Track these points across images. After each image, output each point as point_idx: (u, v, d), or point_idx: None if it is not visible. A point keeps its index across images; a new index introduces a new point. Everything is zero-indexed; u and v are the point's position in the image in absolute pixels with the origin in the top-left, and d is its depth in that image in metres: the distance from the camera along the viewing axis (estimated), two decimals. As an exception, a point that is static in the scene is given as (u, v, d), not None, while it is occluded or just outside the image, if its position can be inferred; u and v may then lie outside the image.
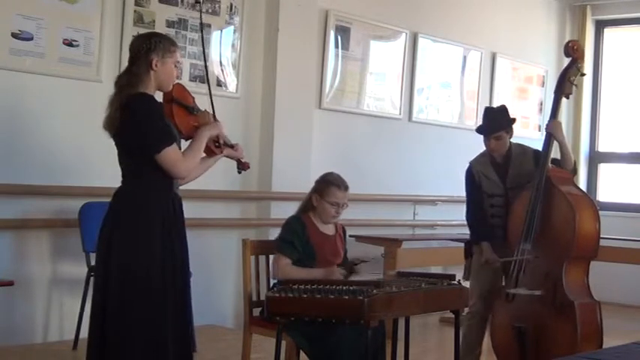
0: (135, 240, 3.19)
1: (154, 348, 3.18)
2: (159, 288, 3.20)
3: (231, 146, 3.59)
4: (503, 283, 4.62)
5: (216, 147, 3.46)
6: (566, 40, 8.63)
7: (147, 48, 3.25)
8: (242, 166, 3.68)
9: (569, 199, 4.36)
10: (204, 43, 3.86)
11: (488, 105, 7.85)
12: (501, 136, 4.56)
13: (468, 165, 4.70)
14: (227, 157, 3.61)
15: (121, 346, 3.16)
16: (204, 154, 3.48)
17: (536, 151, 4.62)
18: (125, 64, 3.38)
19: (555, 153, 4.60)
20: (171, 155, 3.19)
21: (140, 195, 3.24)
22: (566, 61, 4.65)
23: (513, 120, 4.65)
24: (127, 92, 3.21)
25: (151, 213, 3.22)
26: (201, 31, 4.26)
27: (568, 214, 4.33)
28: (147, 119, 3.17)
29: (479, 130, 4.67)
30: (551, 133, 4.50)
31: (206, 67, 3.89)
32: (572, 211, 4.32)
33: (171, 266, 3.25)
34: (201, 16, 4.54)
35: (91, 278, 4.18)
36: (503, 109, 4.68)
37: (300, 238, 3.96)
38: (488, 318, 4.67)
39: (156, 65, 3.25)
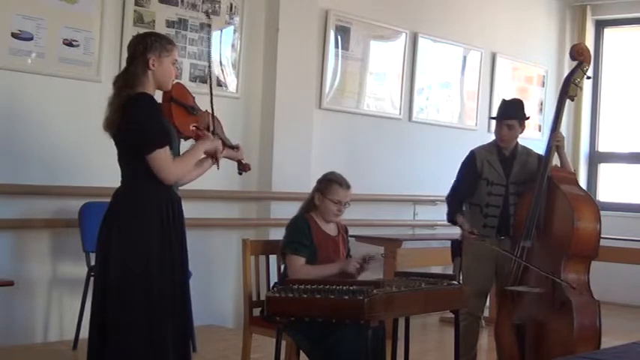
0: (133, 240, 3.19)
1: (153, 348, 3.18)
2: (157, 288, 3.19)
3: (232, 147, 3.59)
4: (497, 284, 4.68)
5: (213, 161, 3.46)
6: (567, 41, 8.76)
7: (143, 47, 3.25)
8: (243, 168, 3.68)
9: (568, 198, 4.37)
10: (210, 53, 3.84)
11: (488, 105, 7.93)
12: (514, 125, 4.63)
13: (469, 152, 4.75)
14: (227, 158, 3.61)
15: (120, 346, 3.16)
16: (203, 155, 3.48)
17: (540, 156, 4.65)
18: (125, 64, 3.38)
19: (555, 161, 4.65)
20: (161, 158, 3.18)
21: (138, 195, 3.24)
22: (567, 59, 4.69)
23: (527, 116, 4.75)
24: (126, 93, 3.21)
25: (148, 213, 3.22)
26: (209, 40, 4.13)
27: (566, 212, 4.34)
28: (144, 119, 3.17)
29: (494, 117, 4.79)
30: (559, 146, 4.52)
31: (210, 70, 3.87)
32: (571, 209, 4.33)
33: (170, 266, 3.25)
34: (210, 26, 4.46)
35: (91, 278, 4.18)
36: (520, 102, 4.81)
37: (307, 236, 3.97)
38: (481, 318, 4.74)
39: (153, 64, 3.25)
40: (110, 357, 3.17)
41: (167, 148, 3.20)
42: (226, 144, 3.56)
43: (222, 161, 3.59)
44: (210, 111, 3.50)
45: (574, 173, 4.77)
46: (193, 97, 3.47)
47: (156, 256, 3.20)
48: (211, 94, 3.53)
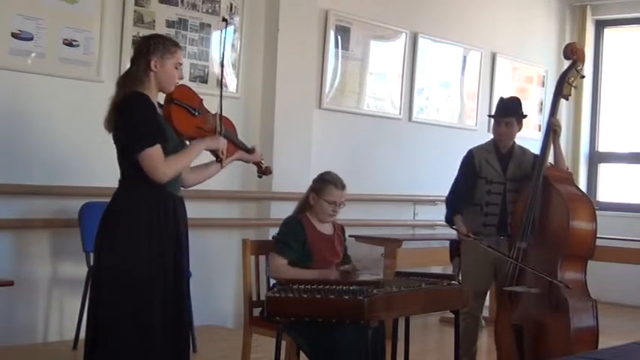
0: (123, 242, 3.18)
1: (141, 350, 3.17)
2: (146, 290, 3.18)
3: (247, 150, 3.58)
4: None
5: (217, 160, 3.44)
6: (567, 41, 8.77)
7: (146, 49, 3.26)
8: (263, 171, 3.67)
9: (564, 198, 4.38)
10: (224, 54, 3.79)
11: (488, 105, 7.92)
12: (512, 122, 4.67)
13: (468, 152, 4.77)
14: (241, 160, 3.60)
15: (108, 346, 3.15)
16: (212, 159, 3.47)
17: (535, 155, 4.67)
18: (125, 63, 3.38)
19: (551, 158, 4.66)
20: (151, 157, 3.15)
21: (132, 196, 3.23)
22: (566, 61, 4.70)
23: (525, 114, 4.76)
24: (122, 92, 3.21)
25: (140, 214, 3.20)
26: (223, 46, 3.96)
27: (562, 212, 4.35)
28: (132, 118, 3.16)
29: (491, 115, 4.82)
30: (555, 130, 4.54)
31: (222, 73, 3.84)
32: (566, 209, 4.33)
33: (162, 267, 3.23)
34: (226, 29, 4.32)
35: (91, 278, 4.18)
36: (517, 100, 4.84)
37: (297, 238, 3.97)
38: (481, 317, 4.78)
39: (155, 66, 3.24)
40: (99, 355, 3.18)
41: (158, 146, 3.16)
42: (239, 146, 3.54)
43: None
44: (219, 113, 3.47)
45: (570, 172, 4.79)
46: (200, 100, 3.43)
47: (144, 258, 3.18)
48: (221, 95, 3.50)
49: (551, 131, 4.54)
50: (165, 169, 3.20)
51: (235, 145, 3.53)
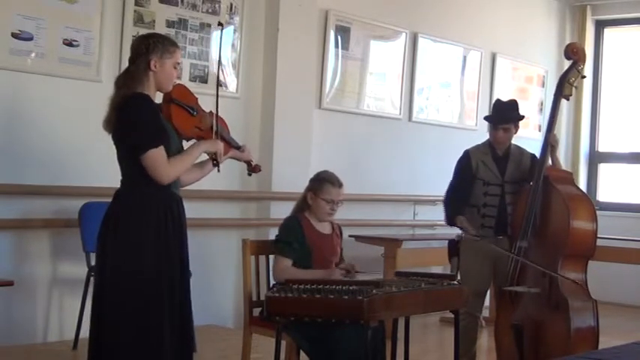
0: (127, 242, 3.18)
1: (147, 350, 3.17)
2: (152, 290, 3.18)
3: (238, 148, 3.58)
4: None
5: (213, 163, 3.45)
6: (567, 41, 8.77)
7: (145, 48, 3.25)
8: (252, 169, 3.67)
9: (564, 197, 4.39)
10: (220, 56, 3.80)
11: (488, 105, 7.92)
12: (510, 128, 4.66)
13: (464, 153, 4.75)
14: (233, 159, 3.61)
15: (113, 346, 3.15)
16: (205, 157, 3.47)
17: (533, 155, 4.68)
18: (125, 64, 3.38)
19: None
20: (155, 158, 3.15)
21: (134, 196, 3.23)
22: (567, 61, 4.70)
23: (522, 116, 4.75)
24: (122, 92, 3.21)
25: (144, 215, 3.20)
26: (219, 49, 3.99)
27: (563, 211, 4.36)
28: (136, 119, 3.16)
29: (488, 118, 4.78)
30: (554, 145, 4.55)
31: (218, 75, 3.85)
32: (567, 208, 4.34)
33: (167, 268, 3.23)
34: (221, 34, 4.37)
35: (91, 278, 4.18)
36: (514, 103, 4.79)
37: (297, 237, 3.97)
38: (480, 317, 4.78)
39: (154, 66, 3.24)
40: (105, 355, 3.18)
41: (161, 148, 3.17)
42: (232, 145, 3.55)
43: (226, 161, 3.59)
44: (214, 112, 3.47)
45: (570, 172, 4.80)
46: (196, 99, 3.45)
47: (150, 259, 3.18)
48: (217, 95, 3.51)
49: (549, 146, 4.54)
50: (168, 171, 3.20)
51: (229, 144, 3.54)
